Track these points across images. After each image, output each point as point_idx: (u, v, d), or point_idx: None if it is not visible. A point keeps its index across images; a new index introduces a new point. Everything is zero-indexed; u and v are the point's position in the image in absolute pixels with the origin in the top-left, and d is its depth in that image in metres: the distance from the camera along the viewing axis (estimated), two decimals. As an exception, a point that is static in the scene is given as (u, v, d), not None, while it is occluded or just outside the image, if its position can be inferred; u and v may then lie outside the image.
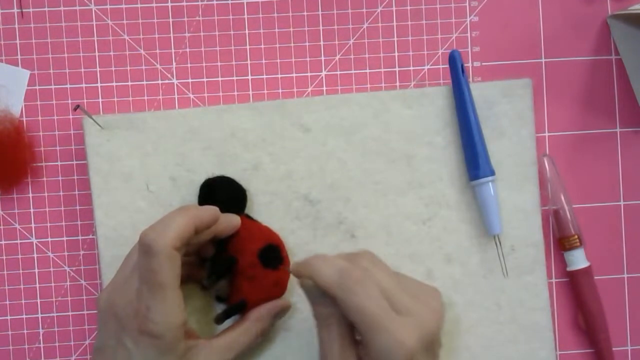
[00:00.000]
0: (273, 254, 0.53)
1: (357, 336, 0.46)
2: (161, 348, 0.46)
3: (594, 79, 0.58)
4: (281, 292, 0.53)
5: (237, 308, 0.52)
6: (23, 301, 0.56)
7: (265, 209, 0.55)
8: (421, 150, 0.56)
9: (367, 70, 0.57)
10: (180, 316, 0.46)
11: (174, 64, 0.57)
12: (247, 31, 0.57)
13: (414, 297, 0.45)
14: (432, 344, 0.45)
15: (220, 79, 0.57)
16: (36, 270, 0.56)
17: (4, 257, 0.56)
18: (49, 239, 0.56)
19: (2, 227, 0.56)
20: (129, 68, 0.56)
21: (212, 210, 0.50)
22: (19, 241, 0.56)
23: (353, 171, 0.56)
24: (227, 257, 0.52)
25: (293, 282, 0.52)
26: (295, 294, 0.55)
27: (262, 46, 0.57)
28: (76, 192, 0.56)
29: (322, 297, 0.46)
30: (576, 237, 0.57)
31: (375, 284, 0.44)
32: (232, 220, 0.52)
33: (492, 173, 0.55)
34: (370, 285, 0.44)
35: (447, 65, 0.56)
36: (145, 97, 0.57)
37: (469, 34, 0.58)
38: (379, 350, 0.43)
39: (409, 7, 0.58)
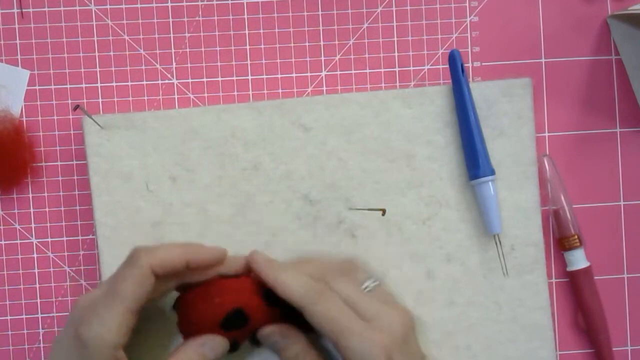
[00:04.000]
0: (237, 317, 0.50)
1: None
2: None
3: (594, 79, 0.58)
4: None
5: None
6: (23, 301, 0.56)
7: (265, 209, 0.55)
8: (421, 150, 0.56)
9: (367, 70, 0.57)
10: None
11: (174, 64, 0.57)
12: (247, 31, 0.57)
13: (383, 303, 0.49)
14: (407, 345, 0.48)
15: (220, 79, 0.57)
16: (36, 270, 0.56)
17: (4, 257, 0.56)
18: (49, 239, 0.56)
19: (2, 227, 0.56)
20: (129, 68, 0.57)
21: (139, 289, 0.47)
22: (19, 241, 0.56)
23: (353, 171, 0.56)
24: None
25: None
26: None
27: (262, 46, 0.57)
28: (76, 192, 0.56)
29: (283, 340, 0.49)
30: (576, 237, 0.57)
31: (338, 295, 0.48)
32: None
33: (492, 172, 0.55)
34: (332, 297, 0.47)
35: (447, 65, 0.56)
36: (145, 97, 0.57)
37: (469, 34, 0.58)
38: (356, 353, 0.45)
39: (409, 7, 0.58)
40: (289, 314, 0.49)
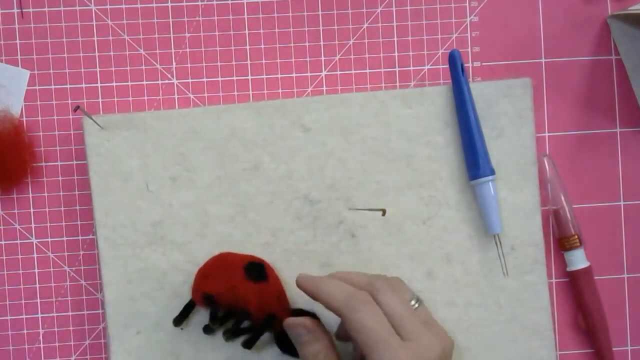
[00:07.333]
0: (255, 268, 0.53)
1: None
2: None
3: (594, 79, 0.58)
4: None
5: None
6: (23, 301, 0.56)
7: (265, 209, 0.55)
8: (421, 150, 0.56)
9: (367, 70, 0.57)
10: None
11: (174, 64, 0.57)
12: (247, 31, 0.57)
13: (424, 325, 0.47)
14: None
15: (220, 79, 0.57)
16: (36, 270, 0.56)
17: (4, 257, 0.56)
18: (49, 239, 0.56)
19: (2, 227, 0.56)
20: (129, 68, 0.57)
21: None
22: (19, 241, 0.56)
23: (353, 171, 0.56)
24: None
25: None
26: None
27: (262, 46, 0.57)
28: (76, 192, 0.56)
29: (308, 334, 0.49)
30: (576, 237, 0.57)
31: (380, 307, 0.46)
32: None
33: (492, 172, 0.55)
34: (374, 307, 0.46)
35: (447, 65, 0.56)
36: (145, 97, 0.57)
37: (469, 34, 0.58)
38: None
39: (409, 7, 0.58)
40: None
